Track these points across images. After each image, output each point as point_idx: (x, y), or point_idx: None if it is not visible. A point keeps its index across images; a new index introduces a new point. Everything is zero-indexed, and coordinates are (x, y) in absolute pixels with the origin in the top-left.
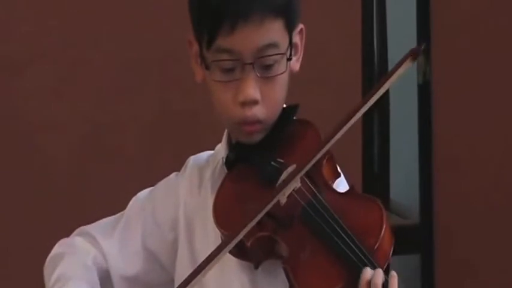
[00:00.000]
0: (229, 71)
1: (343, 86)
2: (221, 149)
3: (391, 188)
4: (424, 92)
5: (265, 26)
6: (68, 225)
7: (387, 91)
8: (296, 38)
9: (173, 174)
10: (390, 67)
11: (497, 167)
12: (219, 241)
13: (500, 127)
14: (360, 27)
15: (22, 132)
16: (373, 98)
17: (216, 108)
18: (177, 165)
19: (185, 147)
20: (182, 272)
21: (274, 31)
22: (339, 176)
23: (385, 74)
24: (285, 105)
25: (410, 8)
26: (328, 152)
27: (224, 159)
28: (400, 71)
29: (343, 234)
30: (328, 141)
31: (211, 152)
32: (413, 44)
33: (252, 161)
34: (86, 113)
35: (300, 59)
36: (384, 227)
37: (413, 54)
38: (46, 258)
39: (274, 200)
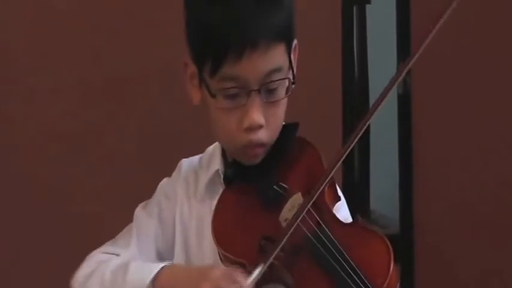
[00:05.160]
0: (233, 96)
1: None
2: (215, 158)
3: (371, 198)
4: (404, 102)
5: (270, 51)
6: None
7: (367, 102)
8: (292, 55)
9: (166, 179)
10: (370, 77)
11: (477, 177)
12: (215, 251)
13: (480, 137)
14: (339, 43)
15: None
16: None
17: (217, 134)
18: (167, 171)
19: (172, 156)
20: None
21: (278, 56)
22: (339, 199)
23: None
24: (284, 123)
25: (390, 17)
26: (331, 178)
27: (222, 175)
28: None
29: (349, 270)
30: (334, 166)
31: (201, 155)
32: (393, 56)
33: (251, 180)
34: (74, 121)
35: (295, 74)
36: (392, 265)
37: None
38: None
39: (290, 232)
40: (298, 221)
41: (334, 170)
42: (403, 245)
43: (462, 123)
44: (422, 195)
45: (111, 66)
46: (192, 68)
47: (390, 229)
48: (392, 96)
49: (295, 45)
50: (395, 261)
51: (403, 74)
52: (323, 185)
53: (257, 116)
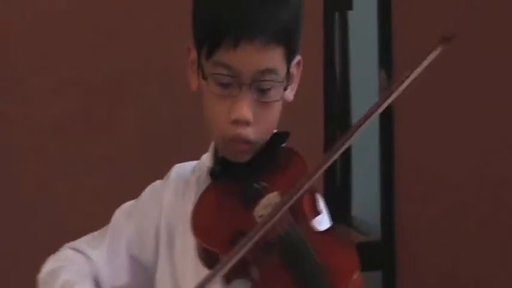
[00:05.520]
0: (225, 85)
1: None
2: (207, 159)
3: (353, 205)
4: (386, 109)
5: (266, 51)
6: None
7: (349, 108)
8: (293, 69)
9: (158, 182)
10: (352, 83)
11: (457, 184)
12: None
13: (461, 145)
14: (321, 49)
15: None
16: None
17: (207, 120)
18: (167, 172)
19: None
20: (161, 278)
21: (274, 58)
22: (320, 214)
23: (347, 92)
24: (276, 131)
25: (372, 23)
26: (312, 187)
27: (209, 170)
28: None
29: (315, 273)
30: (317, 171)
31: (196, 161)
32: (375, 62)
33: (236, 178)
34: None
35: (295, 90)
36: (357, 273)
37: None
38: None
39: (264, 230)
40: (272, 219)
41: (313, 179)
42: (385, 251)
43: (445, 129)
44: (404, 201)
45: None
46: (193, 54)
47: (372, 236)
48: (373, 101)
49: (299, 60)
50: (377, 267)
51: (382, 106)
52: (302, 189)
53: (245, 110)
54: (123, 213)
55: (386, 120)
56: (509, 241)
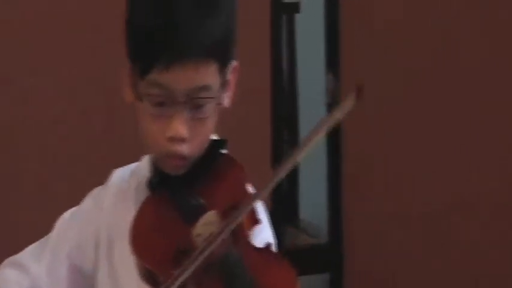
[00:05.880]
0: (160, 105)
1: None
2: (146, 166)
3: (300, 207)
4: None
5: (199, 69)
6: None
7: (296, 111)
8: (229, 76)
9: (97, 188)
10: (299, 85)
11: (404, 186)
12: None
13: (408, 146)
14: (268, 52)
15: None
16: (310, 144)
17: (142, 135)
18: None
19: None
20: (102, 286)
21: (207, 74)
22: (259, 223)
23: (294, 94)
24: (213, 138)
25: (319, 26)
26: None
27: (147, 181)
28: (339, 114)
29: None
30: (259, 194)
31: (136, 164)
32: (322, 64)
33: (174, 191)
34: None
35: (231, 95)
36: None
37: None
38: None
39: (207, 253)
40: (217, 241)
41: (257, 200)
42: (332, 253)
43: (392, 131)
44: (351, 204)
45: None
46: (128, 66)
47: (319, 238)
48: (321, 105)
49: (235, 66)
50: (324, 269)
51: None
52: (246, 211)
53: (181, 128)
54: (64, 221)
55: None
56: (458, 242)
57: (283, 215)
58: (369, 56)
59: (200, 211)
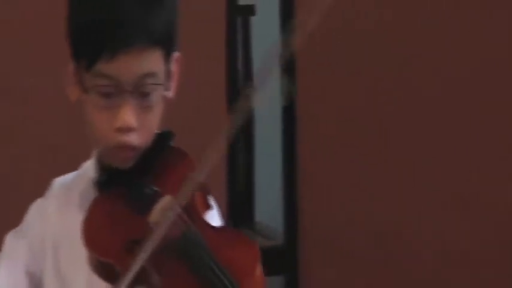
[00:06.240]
0: (107, 95)
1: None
2: (90, 168)
3: (256, 209)
4: (289, 113)
5: (145, 56)
6: None
7: (252, 114)
8: (173, 67)
9: (38, 200)
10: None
11: (361, 188)
12: (89, 272)
13: (365, 148)
14: (224, 54)
15: None
16: (240, 117)
17: (90, 129)
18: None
19: None
20: None
21: (153, 61)
22: (211, 208)
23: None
24: (158, 131)
25: (274, 29)
26: (202, 184)
27: (94, 180)
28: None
29: (217, 270)
30: (202, 170)
31: (76, 172)
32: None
33: (125, 186)
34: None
35: (175, 87)
36: (258, 268)
37: None
38: None
39: (160, 235)
40: (166, 222)
41: (205, 172)
42: (287, 256)
43: (348, 134)
44: (307, 206)
45: None
46: (71, 66)
47: (275, 240)
48: (276, 108)
49: (178, 57)
50: (280, 271)
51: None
52: (192, 187)
53: (129, 117)
54: (12, 237)
55: (289, 123)
56: (410, 244)
57: (239, 218)
58: (325, 58)
59: (154, 199)
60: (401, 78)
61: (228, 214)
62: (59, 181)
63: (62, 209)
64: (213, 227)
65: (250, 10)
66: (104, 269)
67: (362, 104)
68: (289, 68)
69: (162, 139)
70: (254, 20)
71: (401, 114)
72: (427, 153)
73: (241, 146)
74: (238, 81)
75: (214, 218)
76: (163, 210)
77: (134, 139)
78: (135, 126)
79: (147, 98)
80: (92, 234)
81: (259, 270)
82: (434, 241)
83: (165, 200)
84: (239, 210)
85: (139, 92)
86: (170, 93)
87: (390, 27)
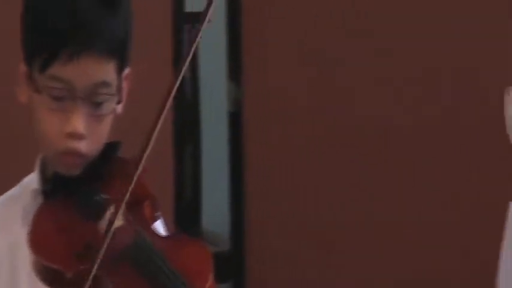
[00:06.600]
0: (59, 99)
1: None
2: (33, 181)
3: (203, 216)
4: (235, 119)
5: (101, 64)
6: None
7: (198, 117)
8: (123, 81)
9: None
10: (201, 95)
11: (307, 196)
12: (32, 277)
13: (311, 156)
14: (170, 62)
15: None
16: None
17: (38, 133)
18: None
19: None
20: None
21: (108, 71)
22: (158, 219)
23: (196, 104)
24: (106, 142)
25: (221, 36)
26: (150, 194)
27: (40, 190)
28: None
29: (170, 276)
30: (137, 166)
31: (17, 187)
32: (223, 74)
33: (73, 193)
34: None
35: (123, 103)
36: (211, 272)
37: None
38: None
39: (108, 241)
40: (112, 228)
41: (140, 169)
42: (234, 262)
43: (294, 139)
44: (254, 213)
45: None
46: (23, 67)
47: (222, 247)
48: (223, 113)
49: (128, 74)
50: (226, 278)
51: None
52: (132, 183)
53: (79, 124)
54: None
55: (236, 131)
56: (358, 251)
57: (186, 224)
58: (271, 64)
59: (103, 206)
60: (347, 84)
61: (175, 221)
62: None
63: (2, 225)
64: (164, 235)
65: (196, 17)
66: (49, 274)
67: (309, 109)
68: (235, 74)
69: (110, 149)
70: None
71: (350, 118)
72: (367, 155)
73: (188, 152)
74: (185, 89)
75: (160, 227)
76: (113, 217)
77: (83, 146)
78: (85, 133)
79: (99, 107)
80: (39, 241)
81: (212, 275)
82: (382, 247)
83: (115, 208)
84: (186, 217)
85: (92, 100)
86: (119, 109)
87: (326, 28)
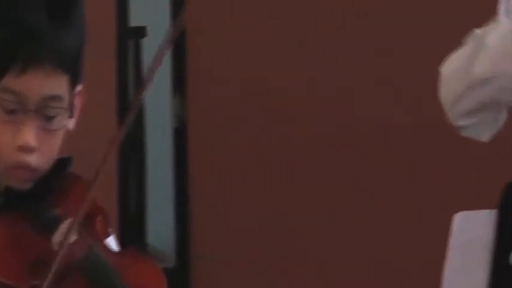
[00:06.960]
0: (11, 112)
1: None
2: None
3: (148, 232)
4: (180, 135)
5: (53, 78)
6: None
7: (143, 135)
8: (75, 97)
9: None
10: (146, 110)
11: (251, 214)
12: None
13: (256, 172)
14: (114, 77)
15: None
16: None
17: None
18: None
19: None
20: None
21: (60, 85)
22: (110, 235)
23: (141, 120)
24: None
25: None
26: (102, 210)
27: None
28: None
29: None
30: (91, 185)
31: None
32: (168, 90)
33: (25, 208)
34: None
35: (75, 120)
36: (164, 285)
37: None
38: None
39: (60, 256)
40: (66, 241)
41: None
42: (179, 279)
43: (240, 156)
44: (199, 228)
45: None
46: None
47: (166, 263)
48: (168, 129)
49: (80, 91)
50: None
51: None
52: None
53: (30, 137)
54: None
55: (180, 146)
56: (306, 264)
57: (130, 240)
58: (216, 80)
59: (55, 221)
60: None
61: (120, 237)
62: None
63: None
64: (116, 251)
65: (141, 32)
66: None
67: (256, 124)
68: (179, 90)
69: (62, 164)
70: (145, 42)
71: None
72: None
73: (133, 167)
74: (129, 105)
75: (113, 243)
76: (65, 232)
77: (33, 160)
78: (36, 147)
79: (51, 121)
80: None
81: None
82: (333, 256)
83: (67, 222)
84: (130, 232)
85: (43, 114)
86: (71, 124)
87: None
